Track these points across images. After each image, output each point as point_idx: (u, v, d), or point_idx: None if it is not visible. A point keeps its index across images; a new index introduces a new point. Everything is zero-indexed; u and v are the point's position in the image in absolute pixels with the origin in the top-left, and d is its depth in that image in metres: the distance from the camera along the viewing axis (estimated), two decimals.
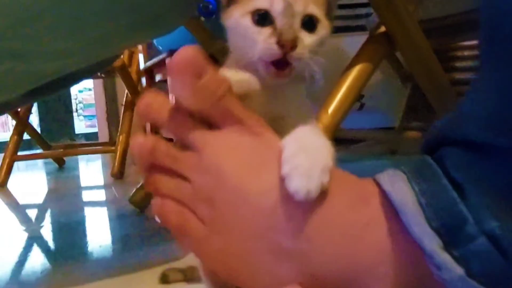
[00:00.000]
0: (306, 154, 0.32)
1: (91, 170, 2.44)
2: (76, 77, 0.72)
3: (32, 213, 1.46)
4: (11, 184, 1.85)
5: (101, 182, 2.00)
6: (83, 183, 2.06)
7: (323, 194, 0.32)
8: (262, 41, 0.35)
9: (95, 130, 3.91)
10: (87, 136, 4.29)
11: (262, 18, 0.36)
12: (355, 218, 0.33)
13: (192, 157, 0.35)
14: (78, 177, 2.20)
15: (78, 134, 4.40)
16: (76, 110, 4.53)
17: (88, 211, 1.44)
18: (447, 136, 0.34)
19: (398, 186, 0.32)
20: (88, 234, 1.12)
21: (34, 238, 1.11)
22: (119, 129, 1.91)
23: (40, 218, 1.37)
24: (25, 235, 1.13)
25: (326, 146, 0.34)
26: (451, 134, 0.34)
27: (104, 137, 3.56)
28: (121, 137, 1.87)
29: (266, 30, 0.36)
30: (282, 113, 0.38)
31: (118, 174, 1.82)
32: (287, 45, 0.34)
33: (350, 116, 0.77)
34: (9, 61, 0.50)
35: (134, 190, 1.20)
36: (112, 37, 0.53)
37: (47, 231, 1.17)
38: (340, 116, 0.74)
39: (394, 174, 0.33)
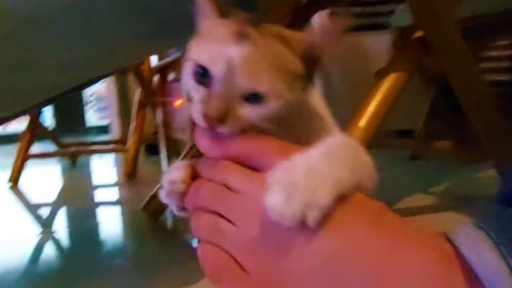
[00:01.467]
0: (307, 169, 0.28)
1: (104, 166, 2.39)
2: (95, 80, 0.67)
3: (46, 212, 1.44)
4: (23, 181, 1.82)
5: (114, 179, 1.98)
6: (97, 181, 2.03)
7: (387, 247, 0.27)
8: (195, 103, 0.32)
9: (107, 122, 3.88)
10: (99, 128, 4.29)
11: (202, 74, 0.32)
12: (435, 281, 0.27)
13: (236, 199, 0.32)
14: (91, 174, 2.17)
15: (90, 127, 4.42)
16: (89, 103, 4.52)
17: (102, 211, 1.42)
18: None
19: (486, 257, 0.25)
20: (101, 236, 1.10)
21: (47, 239, 1.09)
22: (131, 127, 1.87)
23: (53, 218, 1.34)
24: (38, 236, 1.11)
25: (348, 165, 0.30)
26: None
27: (116, 131, 3.55)
28: (132, 137, 1.83)
29: (202, 91, 0.32)
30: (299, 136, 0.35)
31: (130, 175, 1.80)
32: (210, 122, 0.31)
33: None
34: (9, 74, 0.44)
35: (147, 199, 1.16)
36: (127, 46, 0.47)
37: (60, 233, 1.14)
38: (373, 130, 0.68)
39: (476, 236, 0.27)
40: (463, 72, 0.73)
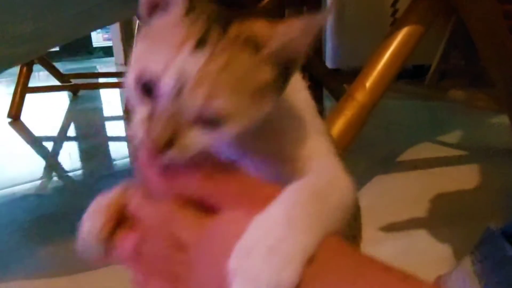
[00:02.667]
0: (268, 250, 0.23)
1: (107, 95, 2.34)
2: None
3: (49, 146, 1.44)
4: (25, 115, 1.78)
5: (117, 112, 1.95)
6: (99, 114, 2.00)
7: None
8: (136, 120, 0.26)
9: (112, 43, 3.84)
10: (104, 50, 4.32)
11: (148, 85, 0.25)
12: None
13: (190, 267, 0.26)
14: (93, 106, 2.13)
15: (95, 48, 4.45)
16: None
17: (104, 147, 1.42)
18: None
19: None
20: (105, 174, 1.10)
21: (52, 168, 1.11)
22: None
23: (58, 150, 1.36)
24: (42, 166, 1.12)
25: (316, 223, 0.25)
26: None
27: (119, 56, 3.53)
28: None
29: (144, 108, 0.25)
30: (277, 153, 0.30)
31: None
32: (154, 146, 0.25)
33: None
34: None
35: None
36: (97, 14, 0.41)
37: (66, 164, 1.16)
38: (381, 91, 0.62)
39: None
40: (486, 23, 0.65)
